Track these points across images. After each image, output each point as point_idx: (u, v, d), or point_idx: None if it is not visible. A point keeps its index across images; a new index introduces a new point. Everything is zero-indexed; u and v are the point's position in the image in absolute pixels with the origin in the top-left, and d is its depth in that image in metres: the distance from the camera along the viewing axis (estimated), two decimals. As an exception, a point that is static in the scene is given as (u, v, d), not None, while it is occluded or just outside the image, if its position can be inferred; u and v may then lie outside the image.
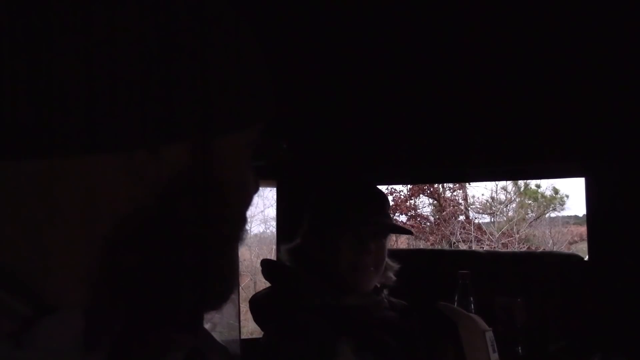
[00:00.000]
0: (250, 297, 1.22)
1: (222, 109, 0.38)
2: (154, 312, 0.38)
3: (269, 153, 0.48)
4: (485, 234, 7.32)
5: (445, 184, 7.50)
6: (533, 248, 7.16)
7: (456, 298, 1.33)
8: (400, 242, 6.54)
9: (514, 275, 1.50)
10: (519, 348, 1.30)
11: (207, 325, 0.46)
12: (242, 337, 1.67)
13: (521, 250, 6.53)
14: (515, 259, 1.66)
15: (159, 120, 0.34)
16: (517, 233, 7.26)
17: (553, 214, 7.80)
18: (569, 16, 1.28)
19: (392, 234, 1.29)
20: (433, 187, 7.73)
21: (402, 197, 7.73)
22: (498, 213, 7.76)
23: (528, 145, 1.45)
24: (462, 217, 7.70)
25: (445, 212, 7.63)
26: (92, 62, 0.32)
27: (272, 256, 2.46)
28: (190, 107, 0.36)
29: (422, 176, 2.06)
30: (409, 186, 7.52)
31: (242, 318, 1.73)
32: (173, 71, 0.35)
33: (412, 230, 7.13)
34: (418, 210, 7.85)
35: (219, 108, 0.38)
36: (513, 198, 7.80)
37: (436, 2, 1.30)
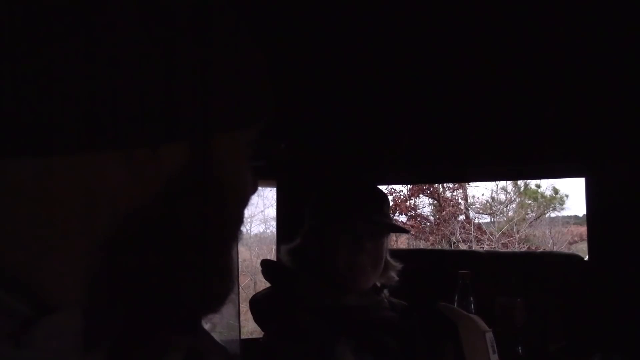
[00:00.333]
0: (250, 297, 1.22)
1: (222, 109, 0.38)
2: (153, 312, 0.38)
3: (269, 153, 0.48)
4: (485, 234, 7.33)
5: (445, 184, 7.50)
6: (533, 248, 7.16)
7: (456, 298, 1.34)
8: (400, 242, 6.55)
9: (514, 275, 1.50)
10: (519, 348, 1.30)
11: (207, 326, 0.46)
12: (242, 337, 1.67)
13: (521, 250, 6.53)
14: (515, 259, 1.66)
15: (159, 119, 0.34)
16: (517, 233, 7.26)
17: (553, 214, 7.82)
18: (568, 16, 1.28)
19: (392, 234, 1.29)
20: (433, 187, 7.73)
21: (402, 197, 7.73)
22: (498, 213, 7.77)
23: (528, 145, 1.45)
24: (462, 217, 7.71)
25: (445, 212, 7.64)
26: (92, 60, 0.32)
27: (272, 256, 2.45)
28: (189, 106, 0.36)
29: (422, 176, 2.06)
30: (408, 186, 7.52)
31: (242, 318, 1.72)
32: (173, 70, 0.35)
33: (412, 230, 7.17)
34: (418, 210, 7.86)
35: (219, 107, 0.38)
36: (513, 198, 7.80)
37: (436, 2, 1.30)
